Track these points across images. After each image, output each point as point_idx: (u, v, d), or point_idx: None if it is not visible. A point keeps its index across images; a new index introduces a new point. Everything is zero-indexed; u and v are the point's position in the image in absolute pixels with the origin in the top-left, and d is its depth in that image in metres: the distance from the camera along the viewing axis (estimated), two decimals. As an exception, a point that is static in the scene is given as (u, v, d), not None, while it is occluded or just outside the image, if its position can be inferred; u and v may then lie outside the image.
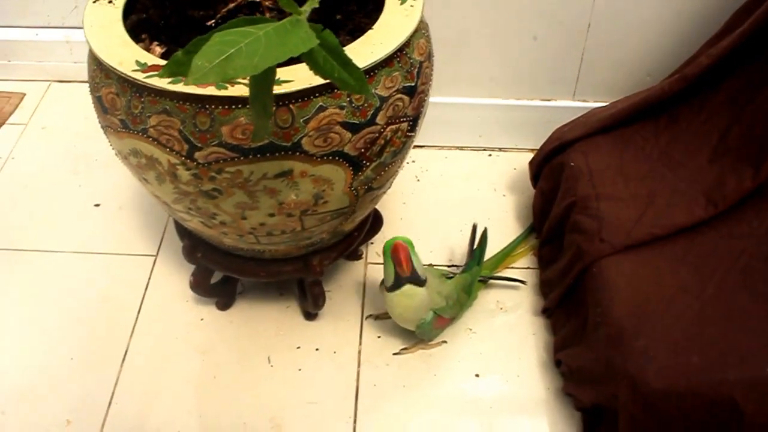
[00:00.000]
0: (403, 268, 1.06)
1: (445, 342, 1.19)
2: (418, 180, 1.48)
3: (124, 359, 1.19)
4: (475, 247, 1.25)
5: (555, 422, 1.10)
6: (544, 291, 1.24)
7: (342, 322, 1.23)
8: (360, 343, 1.20)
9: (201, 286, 1.18)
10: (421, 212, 1.41)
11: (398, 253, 1.05)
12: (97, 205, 1.44)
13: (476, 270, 1.20)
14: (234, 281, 1.24)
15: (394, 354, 1.17)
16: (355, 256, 1.31)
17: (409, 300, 1.08)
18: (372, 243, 1.34)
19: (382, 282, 1.12)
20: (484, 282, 1.26)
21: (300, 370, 1.17)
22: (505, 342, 1.20)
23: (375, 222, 1.23)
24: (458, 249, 1.34)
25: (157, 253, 1.35)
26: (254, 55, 0.54)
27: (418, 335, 1.15)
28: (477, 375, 1.16)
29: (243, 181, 0.87)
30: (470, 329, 1.22)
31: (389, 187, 1.07)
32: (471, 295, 1.19)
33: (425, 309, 1.10)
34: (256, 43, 0.54)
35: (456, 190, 1.46)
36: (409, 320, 1.12)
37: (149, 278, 1.30)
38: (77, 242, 1.37)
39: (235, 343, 1.21)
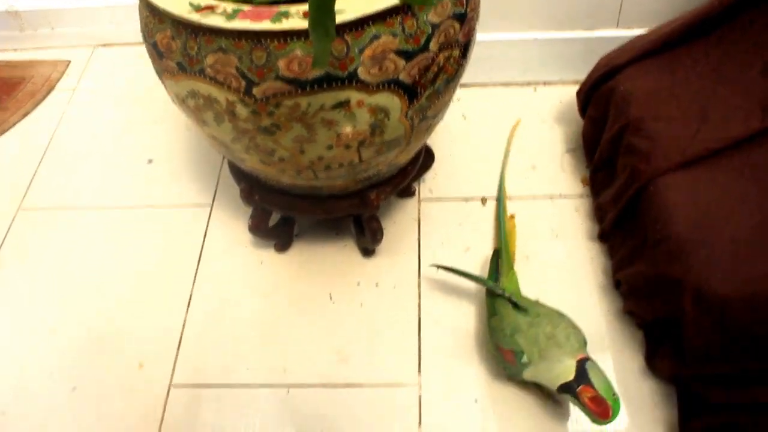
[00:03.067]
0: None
1: None
2: (465, 118, 1.48)
3: (189, 304, 1.22)
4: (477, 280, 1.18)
5: (618, 342, 1.12)
6: (598, 216, 1.24)
7: (400, 257, 1.25)
8: (419, 277, 1.22)
9: (259, 228, 1.20)
10: (471, 148, 1.41)
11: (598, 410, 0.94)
12: (150, 161, 1.47)
13: (501, 288, 1.11)
14: (291, 222, 1.26)
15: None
16: (409, 193, 1.32)
17: None
18: (424, 180, 1.35)
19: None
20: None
21: (362, 305, 1.19)
22: (562, 268, 1.21)
23: (427, 158, 1.24)
24: (510, 181, 1.34)
25: (213, 203, 1.37)
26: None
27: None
28: (536, 300, 1.17)
29: (301, 114, 0.88)
30: (527, 257, 1.23)
31: (442, 118, 1.07)
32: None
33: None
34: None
35: (503, 125, 1.46)
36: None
37: (206, 227, 1.33)
38: (133, 198, 1.41)
39: (296, 283, 1.23)
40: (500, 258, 1.17)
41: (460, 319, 1.17)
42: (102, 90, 1.66)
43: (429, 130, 1.06)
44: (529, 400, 1.09)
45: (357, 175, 1.04)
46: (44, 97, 1.66)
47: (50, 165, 1.49)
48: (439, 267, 1.18)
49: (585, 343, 1.01)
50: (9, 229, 1.38)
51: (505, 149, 1.38)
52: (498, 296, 1.09)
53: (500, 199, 1.29)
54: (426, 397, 1.10)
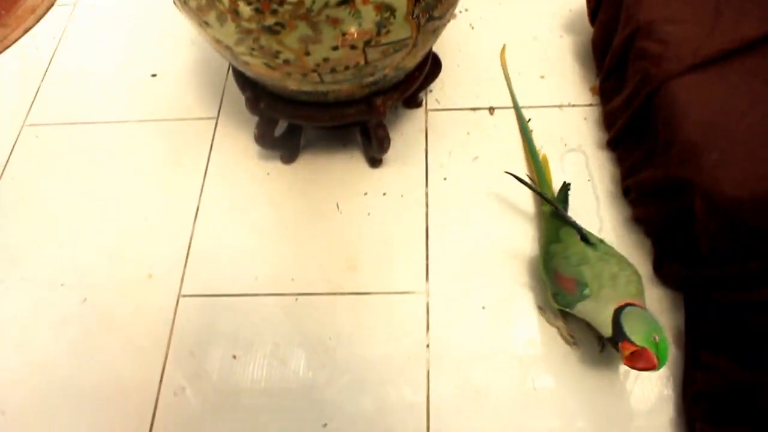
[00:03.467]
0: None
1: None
2: (473, 27, 1.45)
3: (196, 217, 1.22)
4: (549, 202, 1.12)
5: (625, 250, 1.10)
6: (608, 123, 1.23)
7: (407, 168, 1.24)
8: (426, 186, 1.22)
9: (265, 138, 1.18)
10: (478, 58, 1.39)
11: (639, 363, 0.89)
12: (154, 76, 1.45)
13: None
14: (298, 133, 1.24)
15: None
16: (416, 103, 1.31)
17: None
18: (431, 90, 1.34)
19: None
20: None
21: (369, 214, 1.19)
22: (571, 177, 1.20)
23: (434, 66, 1.22)
24: (518, 91, 1.32)
25: (218, 116, 1.36)
26: None
27: None
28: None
29: (305, 11, 0.86)
30: (535, 167, 1.22)
31: (449, 20, 1.05)
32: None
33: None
34: None
35: (512, 34, 1.43)
36: None
37: (212, 140, 1.32)
38: (138, 112, 1.39)
39: (303, 193, 1.23)
40: (542, 188, 1.16)
41: (467, 228, 1.17)
42: (103, 4, 1.63)
43: (436, 32, 1.04)
44: (535, 307, 1.10)
45: (363, 79, 1.02)
46: (45, 12, 1.63)
47: (53, 81, 1.48)
48: (518, 178, 1.14)
49: (642, 293, 0.97)
50: (14, 145, 1.38)
51: (505, 76, 1.36)
52: (566, 224, 1.06)
53: (525, 130, 1.26)
54: (434, 304, 1.11)
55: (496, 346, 1.07)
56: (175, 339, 1.12)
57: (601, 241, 1.04)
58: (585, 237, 1.03)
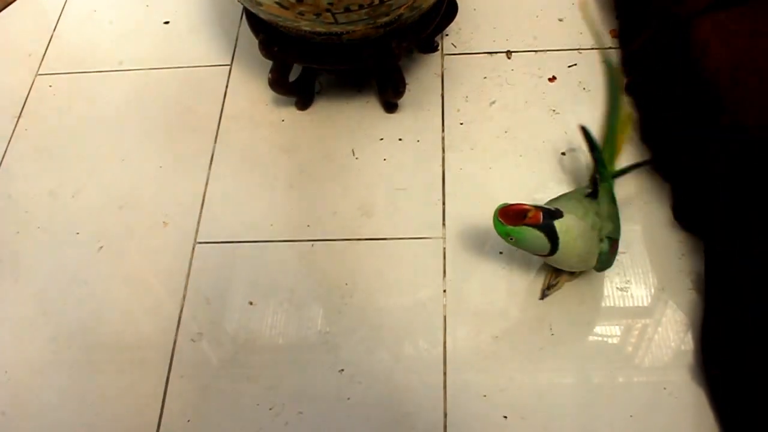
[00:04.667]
0: (533, 217, 0.87)
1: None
2: (490, -31, 1.42)
3: (210, 164, 1.22)
4: (593, 152, 1.06)
5: (645, 194, 1.10)
6: (627, 67, 1.20)
7: (423, 112, 1.22)
8: (443, 131, 1.20)
9: (279, 83, 1.17)
10: (495, 1, 1.36)
11: (510, 213, 0.87)
12: (167, 23, 1.44)
13: (607, 173, 1.03)
14: (312, 78, 1.23)
15: (541, 299, 1.06)
16: (431, 48, 1.28)
17: (571, 236, 0.89)
18: (447, 35, 1.31)
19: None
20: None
21: (385, 159, 1.18)
22: (589, 121, 1.17)
23: (450, 7, 1.19)
24: (532, 34, 1.30)
25: (232, 63, 1.34)
26: None
27: (600, 269, 0.98)
28: (563, 153, 1.15)
29: (318, -54, 0.84)
30: (553, 110, 1.20)
31: (466, -43, 1.03)
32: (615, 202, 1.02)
33: (593, 237, 0.93)
34: None
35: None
36: (586, 259, 0.94)
37: (226, 87, 1.31)
38: (151, 59, 1.38)
39: (318, 139, 1.22)
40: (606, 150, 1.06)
41: (484, 173, 1.15)
42: (113, -48, 1.61)
43: (452, -30, 1.02)
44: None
45: (378, 20, 1.00)
46: (56, -38, 1.61)
47: (66, 30, 1.46)
48: (584, 130, 1.06)
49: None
50: (28, 95, 1.37)
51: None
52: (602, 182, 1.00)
53: (612, 80, 1.08)
54: (450, 249, 1.10)
55: (512, 292, 1.06)
56: (191, 286, 1.12)
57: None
58: (594, 193, 0.97)
